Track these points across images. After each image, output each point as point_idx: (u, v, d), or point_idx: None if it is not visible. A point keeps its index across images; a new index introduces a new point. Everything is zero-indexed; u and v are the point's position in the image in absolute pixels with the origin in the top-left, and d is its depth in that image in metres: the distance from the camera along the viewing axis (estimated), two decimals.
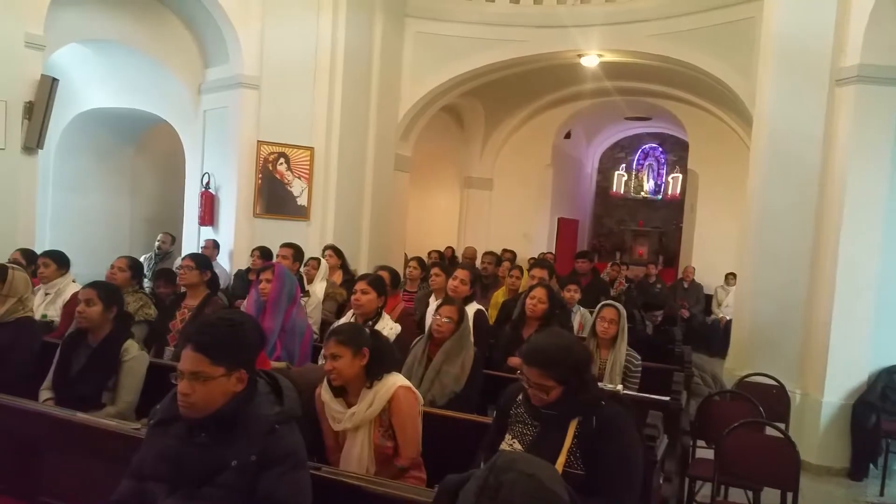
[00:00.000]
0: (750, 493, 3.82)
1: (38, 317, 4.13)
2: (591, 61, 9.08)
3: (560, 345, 2.22)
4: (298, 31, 7.95)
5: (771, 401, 4.55)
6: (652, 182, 17.49)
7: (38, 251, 5.20)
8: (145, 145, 10.16)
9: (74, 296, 3.85)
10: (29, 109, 6.44)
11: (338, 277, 6.28)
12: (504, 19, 8.97)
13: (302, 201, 8.12)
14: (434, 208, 12.66)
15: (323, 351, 2.59)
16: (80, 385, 3.03)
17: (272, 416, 1.91)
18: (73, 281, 4.67)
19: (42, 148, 6.71)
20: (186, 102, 8.50)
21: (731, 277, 10.15)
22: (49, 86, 6.54)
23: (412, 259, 6.37)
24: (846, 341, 5.47)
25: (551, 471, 1.48)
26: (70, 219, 9.14)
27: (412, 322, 4.51)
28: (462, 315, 3.56)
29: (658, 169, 17.47)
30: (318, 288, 5.35)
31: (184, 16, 8.12)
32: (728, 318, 9.40)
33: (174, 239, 8.53)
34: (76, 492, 2.34)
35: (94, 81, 8.80)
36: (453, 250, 10.82)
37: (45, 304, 4.48)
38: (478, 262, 7.91)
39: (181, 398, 1.86)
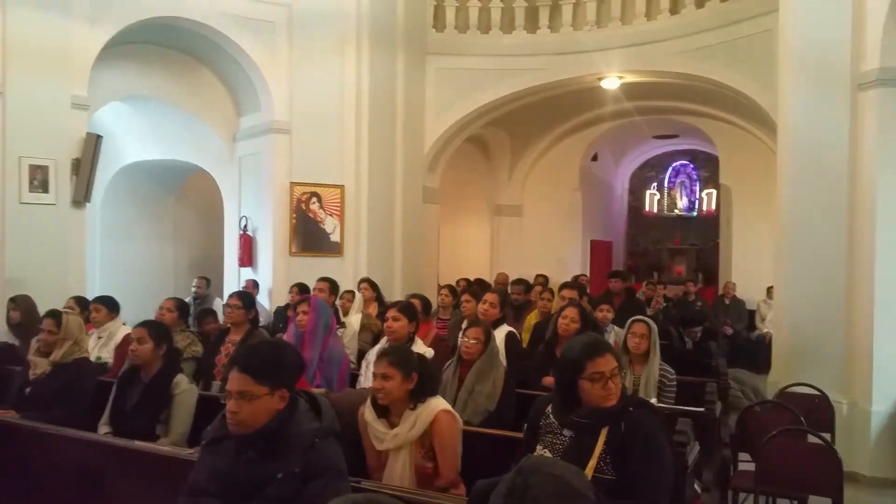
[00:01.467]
0: None
1: (92, 359, 4.36)
2: (612, 83, 9.19)
3: None
4: (324, 76, 8.26)
5: (813, 411, 4.48)
6: (685, 199, 17.34)
7: (90, 298, 5.47)
8: (185, 194, 10.57)
9: (126, 337, 4.08)
10: (76, 166, 6.83)
11: (373, 309, 6.42)
12: (522, 49, 9.16)
13: (335, 238, 8.35)
14: (465, 237, 12.78)
15: (374, 369, 2.70)
16: (135, 419, 3.21)
17: (312, 431, 2.05)
18: (124, 324, 4.92)
19: (89, 201, 7.10)
20: (222, 150, 8.88)
21: (773, 291, 9.97)
22: (94, 143, 6.94)
23: (443, 287, 6.49)
24: (890, 347, 5.36)
25: (577, 473, 1.56)
26: (118, 267, 9.51)
27: (445, 347, 4.61)
28: (489, 336, 3.66)
29: (690, 186, 17.33)
30: (354, 319, 5.50)
31: (216, 69, 8.53)
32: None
33: (209, 282, 8.81)
34: None
35: (135, 136, 9.25)
36: (482, 280, 10.87)
37: (99, 347, 4.72)
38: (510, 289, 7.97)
39: (230, 416, 2.02)
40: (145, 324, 3.42)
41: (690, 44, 8.27)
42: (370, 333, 5.39)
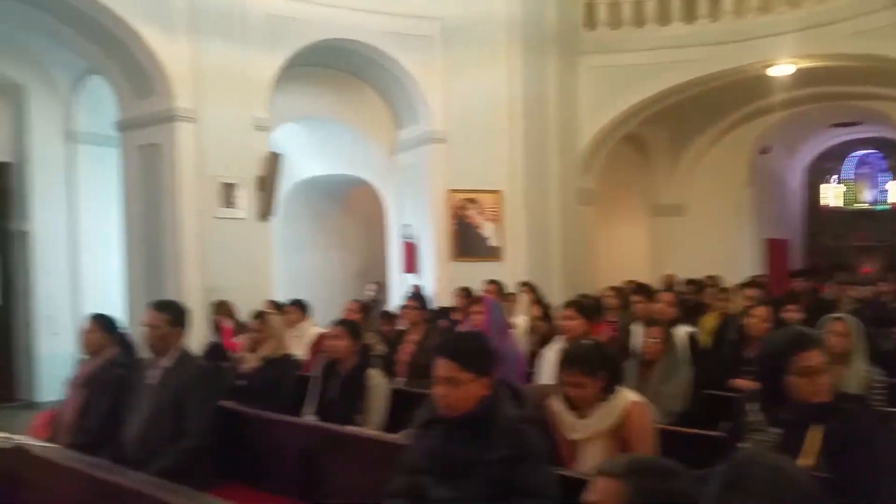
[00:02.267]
0: None
1: None
2: (782, 71, 8.57)
3: None
4: (478, 83, 8.48)
5: None
6: (870, 192, 15.74)
7: None
8: (351, 205, 11.24)
9: (322, 336, 4.44)
10: (261, 183, 7.51)
11: (536, 311, 6.45)
12: (679, 41, 8.80)
13: (492, 242, 8.50)
14: (620, 239, 12.43)
15: (564, 378, 2.68)
16: (337, 408, 3.48)
17: (517, 417, 2.15)
18: (315, 324, 5.35)
19: (274, 215, 7.77)
20: (383, 162, 9.36)
21: None
22: (276, 161, 7.61)
23: (609, 288, 6.37)
24: None
25: (793, 463, 1.49)
26: (295, 276, 10.25)
27: (620, 348, 4.52)
28: (669, 335, 3.56)
29: (876, 177, 15.72)
30: (521, 320, 5.57)
31: (376, 85, 9.01)
32: None
33: (383, 287, 9.28)
34: (349, 492, 2.71)
35: (304, 153, 9.99)
36: (644, 284, 10.51)
37: (293, 345, 5.16)
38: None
39: (439, 400, 2.15)
40: (342, 322, 3.74)
41: (868, 23, 7.62)
42: (537, 335, 5.43)
